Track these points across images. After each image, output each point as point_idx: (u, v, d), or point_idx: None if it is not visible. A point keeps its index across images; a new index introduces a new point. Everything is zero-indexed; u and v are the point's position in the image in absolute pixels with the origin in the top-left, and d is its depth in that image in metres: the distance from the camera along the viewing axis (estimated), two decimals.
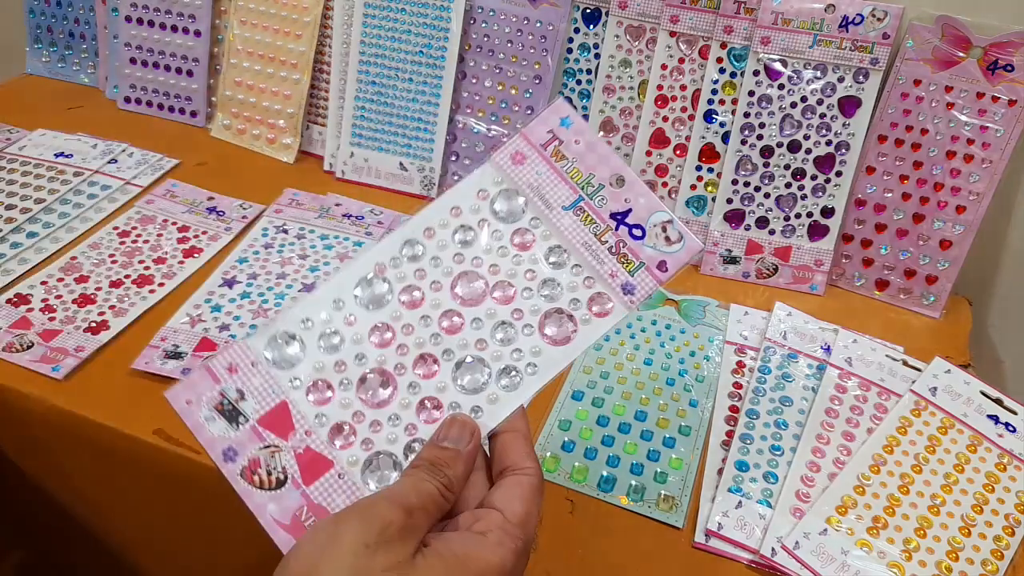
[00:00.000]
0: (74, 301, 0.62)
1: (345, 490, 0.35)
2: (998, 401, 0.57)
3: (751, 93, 0.67)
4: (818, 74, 0.66)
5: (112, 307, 0.62)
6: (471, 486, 0.34)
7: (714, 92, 0.69)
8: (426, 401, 0.36)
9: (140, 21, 0.85)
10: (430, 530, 0.32)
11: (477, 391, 0.36)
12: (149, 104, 0.87)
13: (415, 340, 0.37)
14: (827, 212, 0.69)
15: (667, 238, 0.37)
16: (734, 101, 0.68)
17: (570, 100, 0.75)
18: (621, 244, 0.37)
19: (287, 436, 0.35)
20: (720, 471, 0.52)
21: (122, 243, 0.68)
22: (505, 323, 0.37)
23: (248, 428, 0.35)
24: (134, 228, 0.70)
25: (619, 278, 0.37)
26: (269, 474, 0.35)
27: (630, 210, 0.37)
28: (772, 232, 0.70)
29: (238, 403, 0.35)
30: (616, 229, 0.37)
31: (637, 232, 0.37)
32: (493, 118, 0.75)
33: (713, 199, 0.71)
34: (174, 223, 0.71)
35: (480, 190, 0.39)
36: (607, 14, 0.71)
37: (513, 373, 0.36)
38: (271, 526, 0.34)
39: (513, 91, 0.74)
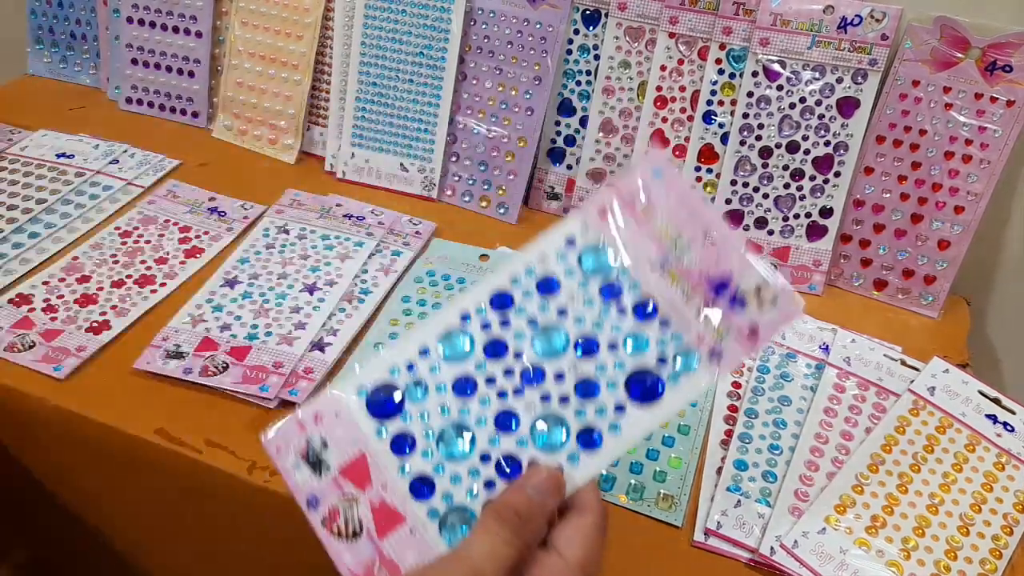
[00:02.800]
0: (76, 301, 0.62)
1: (416, 546, 0.34)
2: (996, 400, 0.57)
3: (750, 94, 0.67)
4: (817, 75, 0.66)
5: (114, 307, 0.62)
6: None
7: (713, 93, 0.69)
8: (505, 458, 0.35)
9: (141, 22, 0.85)
10: None
11: (555, 450, 0.35)
12: (151, 105, 0.88)
13: (497, 392, 0.36)
14: (826, 212, 0.69)
15: (760, 301, 0.35)
16: (733, 102, 0.68)
17: (570, 101, 0.75)
18: (710, 306, 0.35)
19: (364, 487, 0.35)
20: (719, 470, 0.53)
21: (124, 243, 0.68)
22: (588, 380, 0.36)
23: (330, 477, 0.35)
24: (136, 228, 0.70)
25: (707, 343, 0.35)
26: (346, 524, 0.35)
27: (730, 277, 0.35)
28: (771, 232, 0.70)
29: (322, 452, 0.36)
30: (716, 297, 0.35)
31: (738, 304, 0.35)
32: (493, 119, 0.75)
33: (712, 200, 0.71)
34: (176, 223, 0.71)
35: (568, 240, 0.38)
36: (606, 15, 0.71)
37: (595, 433, 0.35)
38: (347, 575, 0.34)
39: (513, 92, 0.74)
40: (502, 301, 0.37)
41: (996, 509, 0.51)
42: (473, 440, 0.36)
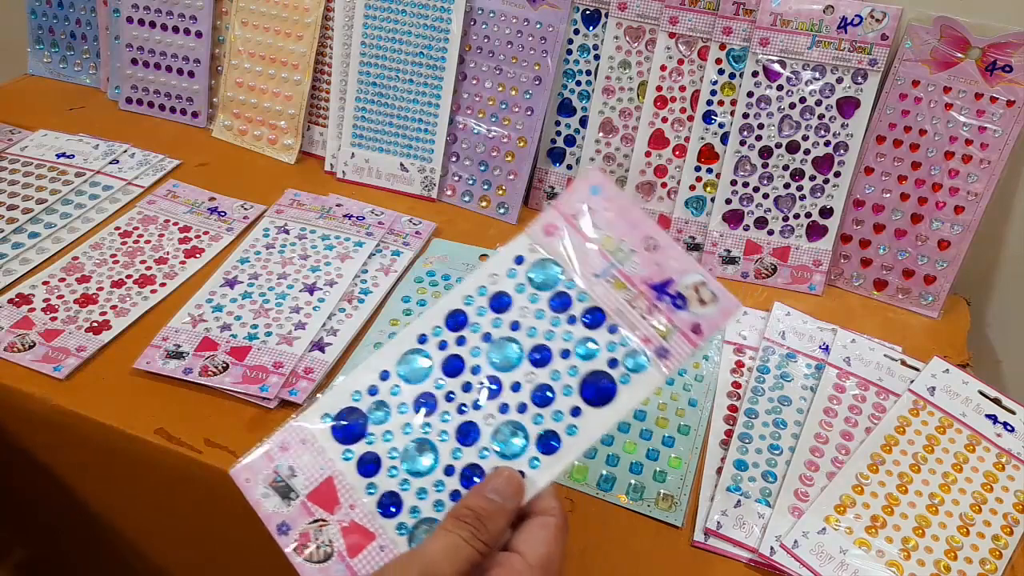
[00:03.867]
0: (76, 301, 0.62)
1: (386, 562, 0.35)
2: (996, 401, 0.57)
3: (750, 94, 0.67)
4: (817, 75, 0.66)
5: (114, 307, 0.62)
6: None
7: (713, 93, 0.69)
8: (468, 468, 0.37)
9: (141, 22, 0.85)
10: None
11: (516, 456, 0.37)
12: (151, 105, 0.88)
13: (456, 407, 0.38)
14: (826, 212, 0.69)
15: (700, 300, 0.37)
16: (733, 102, 0.68)
17: (570, 101, 0.75)
18: (654, 308, 0.37)
19: (333, 510, 0.36)
20: (719, 470, 0.53)
21: (124, 243, 0.68)
22: (544, 386, 0.38)
23: (299, 504, 0.36)
24: (136, 228, 0.70)
25: (653, 343, 0.37)
26: (318, 548, 0.36)
27: (671, 280, 0.37)
28: (771, 232, 0.70)
29: (289, 480, 0.37)
30: (658, 299, 0.37)
31: (680, 302, 0.37)
32: (493, 119, 0.75)
33: (712, 200, 0.71)
34: (176, 223, 0.71)
35: (516, 257, 0.40)
36: (607, 15, 0.71)
37: (553, 438, 0.37)
38: None
39: (513, 92, 0.74)
40: (456, 321, 0.39)
41: (996, 509, 0.51)
42: (436, 455, 0.37)
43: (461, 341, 0.39)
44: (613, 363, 0.37)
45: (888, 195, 0.68)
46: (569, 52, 0.73)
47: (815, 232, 0.70)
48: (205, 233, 0.70)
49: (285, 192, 0.75)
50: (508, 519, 0.34)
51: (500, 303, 0.39)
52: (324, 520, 0.36)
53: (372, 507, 0.36)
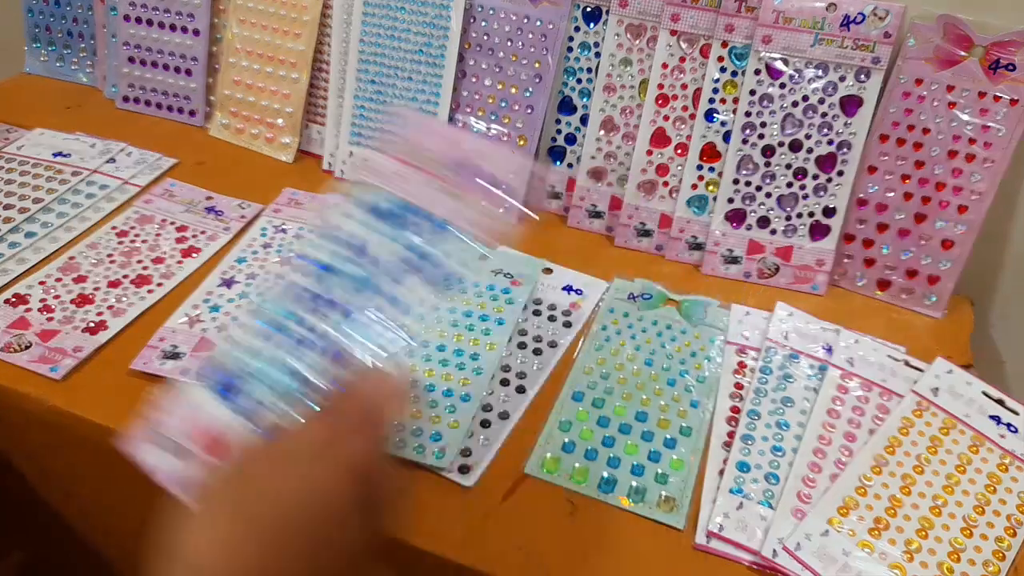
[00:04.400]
0: (72, 301, 0.62)
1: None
2: (1000, 402, 0.57)
3: (752, 92, 0.67)
4: (819, 73, 0.66)
5: (110, 307, 0.61)
6: None
7: (715, 91, 0.68)
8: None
9: (139, 20, 0.84)
10: None
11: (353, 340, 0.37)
12: (147, 103, 0.87)
13: (299, 321, 0.38)
14: (828, 212, 0.69)
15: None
16: (735, 100, 0.68)
17: (570, 99, 0.74)
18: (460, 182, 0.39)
19: (221, 455, 0.36)
20: (721, 472, 0.52)
21: (120, 243, 0.68)
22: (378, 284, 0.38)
23: (189, 457, 0.37)
24: (132, 228, 0.70)
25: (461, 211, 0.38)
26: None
27: (465, 160, 0.39)
28: (773, 232, 0.70)
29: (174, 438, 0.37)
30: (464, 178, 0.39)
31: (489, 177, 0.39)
32: (493, 117, 0.75)
33: (714, 198, 0.70)
34: (172, 223, 0.71)
35: (356, 202, 0.40)
36: (608, 12, 0.70)
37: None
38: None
39: (513, 90, 0.74)
40: (326, 269, 0.39)
41: (999, 511, 0.50)
42: (284, 369, 0.36)
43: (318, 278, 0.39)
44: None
45: (891, 194, 0.68)
46: (570, 50, 0.73)
47: (818, 231, 0.69)
48: (202, 232, 0.70)
49: (283, 191, 0.75)
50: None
51: (360, 250, 0.39)
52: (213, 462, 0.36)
53: (226, 413, 0.36)
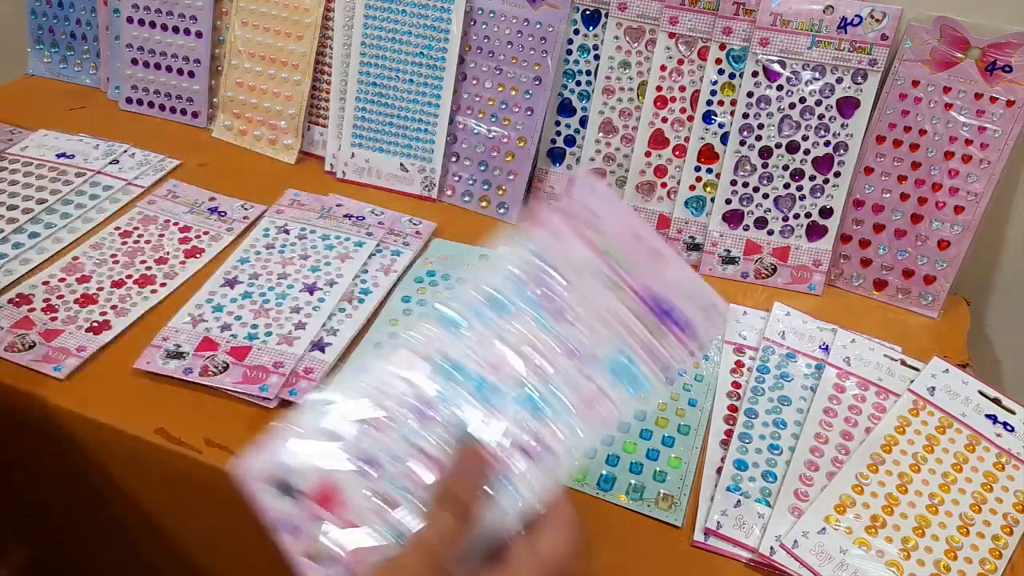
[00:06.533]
0: (76, 301, 0.62)
1: (380, 553, 0.35)
2: (996, 401, 0.57)
3: (750, 94, 0.67)
4: (816, 75, 0.66)
5: (114, 307, 0.62)
6: None
7: (713, 93, 0.69)
8: None
9: (142, 22, 0.85)
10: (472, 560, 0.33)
11: (509, 469, 0.36)
12: (151, 105, 0.88)
13: (451, 414, 0.37)
14: (825, 212, 0.69)
15: (702, 310, 0.37)
16: (733, 102, 0.68)
17: (570, 101, 0.75)
18: (651, 311, 0.37)
19: (331, 509, 0.36)
20: (719, 470, 0.53)
21: (124, 243, 0.68)
22: (540, 396, 0.37)
23: (299, 501, 0.36)
24: (136, 228, 0.70)
25: (650, 349, 0.37)
26: (317, 547, 0.35)
27: (665, 289, 0.37)
28: (771, 232, 0.70)
29: (290, 477, 0.36)
30: (655, 307, 0.37)
31: (677, 315, 0.37)
32: (493, 119, 0.75)
33: (712, 200, 0.71)
34: (176, 223, 0.71)
35: (514, 259, 0.39)
36: (607, 15, 0.71)
37: (545, 448, 0.36)
38: None
39: (513, 92, 0.74)
40: (454, 322, 0.39)
41: (996, 509, 0.51)
42: (432, 460, 0.37)
43: (457, 346, 0.38)
44: (611, 374, 0.37)
45: (888, 195, 0.68)
46: (569, 52, 0.73)
47: (815, 232, 0.70)
48: (205, 233, 0.70)
49: (285, 192, 0.75)
50: (477, 488, 0.34)
51: (500, 307, 0.39)
52: (323, 518, 0.36)
53: (368, 510, 0.36)
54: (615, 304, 0.38)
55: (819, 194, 0.69)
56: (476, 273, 0.40)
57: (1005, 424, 0.55)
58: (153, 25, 0.85)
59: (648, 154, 0.72)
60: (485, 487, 0.35)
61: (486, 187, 0.77)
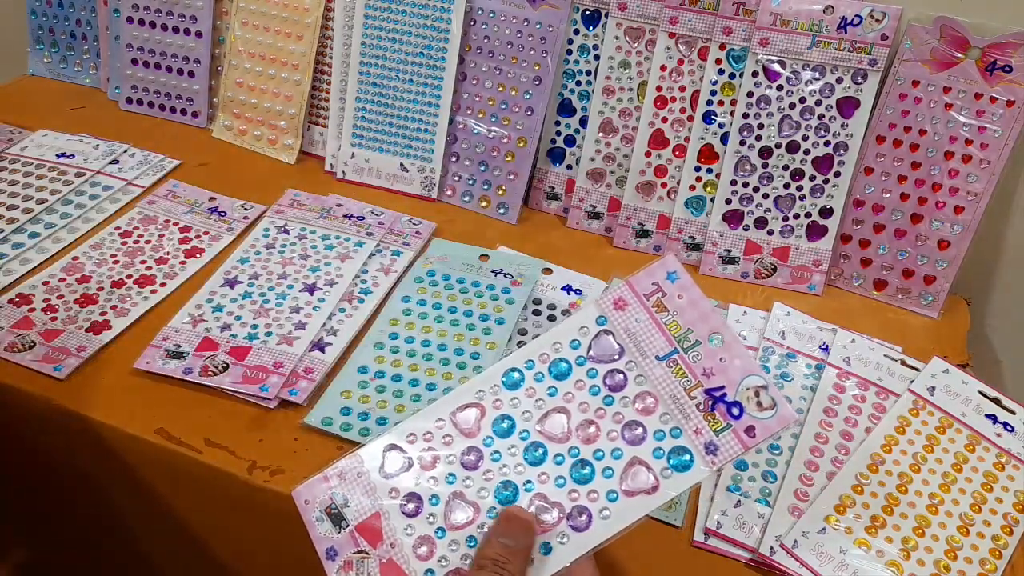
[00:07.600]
0: (76, 301, 0.62)
1: None
2: (996, 400, 0.57)
3: (750, 94, 0.67)
4: (817, 75, 0.66)
5: (114, 307, 0.62)
6: None
7: (713, 93, 0.69)
8: None
9: (142, 22, 0.85)
10: None
11: (547, 530, 0.37)
12: (151, 105, 0.88)
13: (500, 468, 0.39)
14: (825, 212, 0.69)
15: (759, 403, 0.38)
16: (733, 102, 0.68)
17: (570, 101, 0.75)
18: (710, 403, 0.38)
19: (376, 544, 0.38)
20: (719, 470, 0.53)
21: (124, 243, 0.68)
22: (586, 463, 0.38)
23: (347, 532, 0.39)
24: (136, 228, 0.70)
25: (704, 436, 0.38)
26: None
27: (724, 390, 0.38)
28: (771, 232, 0.70)
29: (343, 509, 0.39)
30: (712, 407, 0.38)
31: (736, 410, 0.38)
32: (493, 119, 0.75)
33: (712, 200, 0.71)
34: (176, 223, 0.71)
35: (581, 327, 0.41)
36: (607, 15, 0.71)
37: (585, 515, 0.38)
38: None
39: (513, 92, 0.74)
40: (513, 381, 0.41)
41: (996, 509, 0.51)
42: (473, 511, 0.38)
43: (515, 402, 0.40)
44: (658, 453, 0.38)
45: (888, 195, 0.68)
46: (569, 52, 0.73)
47: (815, 232, 0.70)
48: (205, 233, 0.70)
49: (285, 192, 0.75)
50: (525, 558, 0.36)
51: (559, 371, 0.40)
52: (366, 552, 0.38)
53: (408, 548, 0.38)
54: (675, 386, 0.39)
55: (819, 194, 0.69)
56: (545, 333, 0.41)
57: (1005, 424, 0.55)
58: (153, 25, 0.85)
59: (648, 154, 0.72)
60: (527, 552, 0.36)
61: (486, 187, 0.77)
